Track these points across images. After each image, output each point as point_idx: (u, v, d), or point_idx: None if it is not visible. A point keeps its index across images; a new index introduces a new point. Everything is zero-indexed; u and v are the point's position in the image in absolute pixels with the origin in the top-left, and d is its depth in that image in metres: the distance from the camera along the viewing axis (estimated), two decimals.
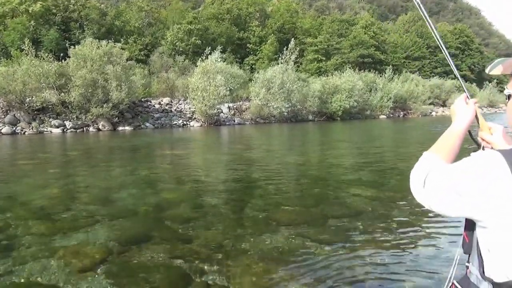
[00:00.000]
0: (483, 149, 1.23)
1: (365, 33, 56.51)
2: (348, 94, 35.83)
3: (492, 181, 0.93)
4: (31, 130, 22.55)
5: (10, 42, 33.10)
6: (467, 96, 1.29)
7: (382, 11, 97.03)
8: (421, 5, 1.29)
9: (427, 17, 1.29)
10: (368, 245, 4.19)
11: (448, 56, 1.35)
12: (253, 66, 45.68)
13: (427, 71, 62.57)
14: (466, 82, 59.60)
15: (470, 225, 1.07)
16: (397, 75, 48.72)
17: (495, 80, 58.57)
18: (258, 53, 48.23)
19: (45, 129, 23.11)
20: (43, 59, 24.59)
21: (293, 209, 5.73)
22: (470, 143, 1.35)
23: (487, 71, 1.17)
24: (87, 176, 8.87)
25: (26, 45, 24.91)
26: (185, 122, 28.61)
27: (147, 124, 26.76)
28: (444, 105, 53.21)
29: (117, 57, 25.82)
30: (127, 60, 27.40)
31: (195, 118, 29.15)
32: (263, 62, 44.63)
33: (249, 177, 8.68)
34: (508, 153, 0.96)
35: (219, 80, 28.01)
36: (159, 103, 30.59)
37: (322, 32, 54.84)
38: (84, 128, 24.18)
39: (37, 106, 23.31)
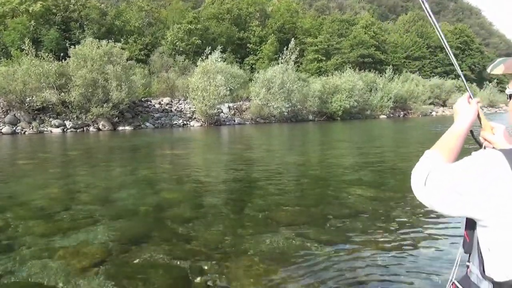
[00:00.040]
0: (484, 148, 1.23)
1: (365, 33, 56.52)
2: (348, 94, 35.84)
3: (493, 180, 0.93)
4: (31, 129, 22.56)
5: (10, 42, 33.11)
6: (470, 96, 1.29)
7: (382, 11, 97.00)
8: (426, 4, 1.28)
9: (432, 16, 1.28)
10: (369, 245, 4.19)
11: (452, 56, 1.34)
12: (253, 66, 45.68)
13: (427, 71, 62.59)
14: (466, 82, 59.93)
15: (470, 224, 1.07)
16: (397, 75, 48.73)
17: (495, 80, 58.59)
18: (258, 53, 48.23)
19: (45, 129, 23.12)
20: (43, 59, 24.60)
21: (293, 209, 5.73)
22: (470, 143, 1.34)
23: (488, 70, 1.17)
24: (87, 176, 8.87)
25: (26, 45, 24.92)
26: (185, 122, 28.62)
27: (147, 124, 26.76)
28: (444, 105, 53.22)
29: (117, 57, 25.83)
30: (127, 60, 27.40)
31: (195, 118, 29.15)
32: (263, 62, 44.64)
33: (249, 177, 8.67)
34: (509, 152, 0.96)
35: (219, 80, 28.02)
36: (159, 103, 30.60)
37: (322, 32, 54.83)
38: (84, 128, 24.18)
39: (37, 106, 23.33)
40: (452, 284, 1.15)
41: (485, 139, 1.25)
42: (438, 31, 1.29)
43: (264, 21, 52.53)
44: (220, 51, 31.57)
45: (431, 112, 48.53)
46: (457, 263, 1.24)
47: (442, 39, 1.30)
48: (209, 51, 31.12)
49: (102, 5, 41.72)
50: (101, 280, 3.41)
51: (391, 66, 50.59)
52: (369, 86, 41.01)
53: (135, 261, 3.82)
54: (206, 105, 27.48)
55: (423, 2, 1.28)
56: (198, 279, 3.43)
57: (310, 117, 34.94)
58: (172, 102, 31.47)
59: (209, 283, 3.36)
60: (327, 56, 52.68)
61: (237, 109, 32.28)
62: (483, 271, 1.02)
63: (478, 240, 1.04)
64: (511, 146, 1.13)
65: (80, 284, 3.35)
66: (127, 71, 26.62)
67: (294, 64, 36.38)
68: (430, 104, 49.95)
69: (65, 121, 24.07)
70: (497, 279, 0.98)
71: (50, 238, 4.47)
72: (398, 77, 47.91)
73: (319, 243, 4.23)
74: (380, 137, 20.29)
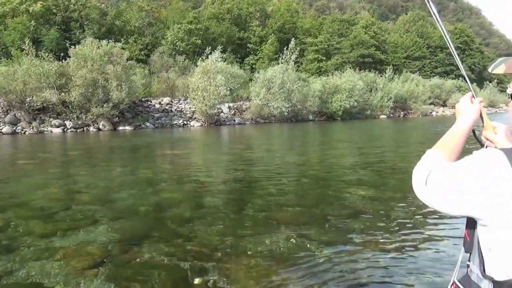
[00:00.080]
0: (486, 148, 1.22)
1: (365, 33, 56.50)
2: (348, 94, 35.83)
3: (494, 179, 0.93)
4: (31, 129, 22.56)
5: (10, 42, 33.10)
6: (473, 95, 1.28)
7: (383, 11, 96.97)
8: (431, 4, 1.28)
9: (438, 16, 1.28)
10: (369, 246, 4.19)
11: (456, 56, 1.34)
12: (254, 66, 45.66)
13: (428, 71, 62.57)
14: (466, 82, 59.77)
15: (471, 223, 1.07)
16: (397, 75, 48.70)
17: (495, 80, 58.56)
18: (259, 53, 48.21)
19: (46, 129, 23.13)
20: (44, 59, 24.60)
21: (293, 209, 5.72)
22: (471, 142, 1.34)
23: (489, 70, 1.17)
24: (87, 176, 8.87)
25: (27, 45, 24.92)
26: (185, 122, 28.62)
27: (148, 124, 26.77)
28: (444, 105, 53.20)
29: (118, 57, 25.83)
30: (127, 60, 27.41)
31: (195, 118, 29.15)
32: (264, 62, 44.62)
33: (250, 177, 8.67)
34: (510, 152, 0.96)
35: (220, 80, 28.01)
36: (160, 103, 30.60)
37: (323, 32, 54.81)
38: (85, 128, 24.19)
39: (37, 105, 23.33)
40: (453, 284, 1.15)
41: (487, 139, 1.25)
42: (443, 30, 1.29)
43: (264, 21, 52.51)
44: (220, 51, 31.57)
45: (431, 112, 48.50)
46: (459, 263, 1.24)
47: (447, 38, 1.30)
48: (209, 51, 31.12)
49: (102, 5, 41.70)
50: (101, 280, 3.41)
51: (391, 66, 50.59)
52: (369, 86, 41.00)
53: (135, 261, 3.82)
54: (206, 105, 27.48)
55: (428, 1, 1.28)
56: (198, 279, 3.43)
57: (310, 117, 34.93)
58: (172, 102, 31.47)
59: (209, 283, 3.36)
60: (327, 56, 52.65)
61: (237, 109, 32.27)
62: (483, 271, 1.02)
63: (478, 240, 1.04)
64: None
65: (80, 284, 3.35)
66: (127, 71, 26.63)
67: (294, 64, 36.37)
68: (430, 104, 49.93)
69: (65, 121, 24.08)
70: (497, 278, 0.98)
71: (50, 238, 4.47)
72: (398, 77, 47.90)
73: (319, 243, 4.23)
74: (380, 137, 20.29)
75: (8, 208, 5.86)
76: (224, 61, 33.15)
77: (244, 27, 50.08)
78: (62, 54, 26.13)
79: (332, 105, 35.29)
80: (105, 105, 24.01)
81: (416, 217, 5.22)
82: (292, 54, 35.07)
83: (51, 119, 23.88)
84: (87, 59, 24.70)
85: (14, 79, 23.15)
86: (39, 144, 17.14)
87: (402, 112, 44.83)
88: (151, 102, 30.33)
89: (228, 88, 28.75)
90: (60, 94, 23.76)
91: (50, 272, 3.58)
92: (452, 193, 0.99)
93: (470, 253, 1.10)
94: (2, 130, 21.82)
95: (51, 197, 6.64)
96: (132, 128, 25.46)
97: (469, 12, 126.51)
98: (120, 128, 25.12)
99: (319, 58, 51.35)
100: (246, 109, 32.36)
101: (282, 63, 34.15)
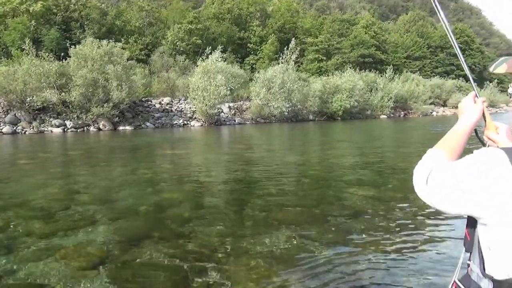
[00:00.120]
0: (487, 147, 1.22)
1: (365, 33, 56.46)
2: (348, 94, 35.82)
3: (495, 178, 0.93)
4: (31, 129, 22.57)
5: (10, 42, 33.09)
6: (476, 95, 1.28)
7: (383, 11, 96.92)
8: (437, 4, 1.27)
9: (443, 17, 1.28)
10: (370, 246, 4.18)
11: (460, 55, 1.33)
12: (254, 65, 45.64)
13: (428, 71, 62.52)
14: (467, 82, 59.19)
15: (472, 223, 1.07)
16: (397, 75, 48.68)
17: (495, 80, 58.51)
18: (259, 52, 48.19)
19: (46, 129, 23.14)
20: (44, 58, 24.61)
21: (293, 209, 5.72)
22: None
23: (491, 69, 1.17)
24: (87, 176, 8.87)
25: (27, 44, 24.94)
26: (185, 122, 28.62)
27: (148, 124, 26.77)
28: (444, 105, 53.18)
29: (118, 56, 25.84)
30: (127, 59, 27.42)
31: (195, 118, 29.15)
32: (264, 62, 44.60)
33: (250, 177, 8.67)
34: (511, 151, 0.97)
35: (220, 80, 28.01)
36: (160, 103, 30.60)
37: (323, 31, 54.78)
38: (85, 128, 24.19)
39: (37, 105, 23.34)
40: (453, 284, 1.16)
41: (489, 138, 1.25)
42: (447, 28, 1.29)
43: (264, 21, 52.49)
44: (221, 51, 31.56)
45: (431, 112, 48.49)
46: (459, 263, 1.24)
47: (451, 37, 1.29)
48: (210, 51, 31.11)
49: (103, 5, 41.70)
50: (101, 280, 3.41)
51: (391, 66, 50.56)
52: (369, 86, 40.99)
53: (135, 261, 3.82)
54: (206, 105, 27.48)
55: (434, 1, 1.28)
56: (198, 279, 3.42)
57: (311, 117, 34.93)
58: (172, 102, 31.47)
59: (209, 283, 3.36)
60: (328, 56, 52.63)
61: (237, 109, 32.27)
62: (483, 270, 1.02)
63: (478, 239, 1.04)
64: None
65: (80, 284, 3.35)
66: (127, 71, 26.63)
67: (295, 64, 36.35)
68: (431, 104, 49.90)
69: (65, 121, 24.08)
70: (497, 277, 0.98)
71: (50, 238, 4.47)
72: (399, 77, 47.88)
73: (319, 243, 4.23)
74: (381, 137, 20.29)
75: (8, 208, 5.86)
76: (224, 61, 33.15)
77: (245, 27, 50.06)
78: (62, 54, 26.13)
79: (332, 105, 35.28)
80: (105, 105, 24.02)
81: (417, 217, 5.21)
82: (293, 54, 35.05)
83: (51, 119, 23.88)
84: (87, 59, 24.71)
85: (15, 79, 23.15)
86: (39, 144, 17.15)
87: (402, 112, 44.81)
88: (151, 102, 30.33)
89: (228, 88, 28.75)
90: (60, 94, 23.76)
91: (50, 272, 3.58)
92: (453, 192, 0.99)
93: (471, 253, 1.10)
94: (3, 130, 21.83)
95: (51, 197, 6.64)
96: (132, 128, 25.46)
97: (470, 12, 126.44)
98: (120, 128, 25.12)
99: (320, 58, 51.33)
100: (246, 109, 32.36)
101: (282, 63, 34.14)
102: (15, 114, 23.30)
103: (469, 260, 1.11)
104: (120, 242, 4.34)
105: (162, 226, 4.95)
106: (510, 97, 1.16)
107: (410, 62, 62.44)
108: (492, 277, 0.99)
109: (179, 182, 8.08)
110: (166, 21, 46.50)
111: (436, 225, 4.90)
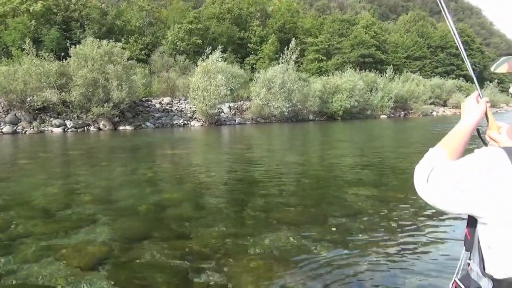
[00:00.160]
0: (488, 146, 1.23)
1: (366, 33, 56.43)
2: (349, 94, 35.80)
3: (495, 177, 0.94)
4: (32, 129, 22.57)
5: (11, 42, 33.10)
6: (479, 95, 1.29)
7: (383, 11, 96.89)
8: (443, 4, 1.27)
9: (449, 17, 1.28)
10: (370, 245, 4.18)
11: (465, 55, 1.34)
12: (254, 65, 45.63)
13: (428, 71, 62.51)
14: (467, 82, 59.02)
15: (472, 222, 1.07)
16: (397, 75, 48.65)
17: (496, 80, 58.55)
18: (259, 52, 48.18)
19: (46, 129, 23.14)
20: (44, 58, 24.61)
21: (294, 209, 5.72)
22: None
23: (492, 69, 1.17)
24: (88, 176, 8.87)
25: (27, 44, 24.94)
26: (185, 122, 28.62)
27: (148, 124, 26.77)
28: (445, 105, 53.17)
29: (118, 56, 25.83)
30: (128, 59, 27.40)
31: (195, 118, 29.15)
32: (264, 62, 44.59)
33: (250, 176, 8.67)
34: (511, 150, 0.97)
35: (220, 80, 28.01)
36: (160, 103, 30.60)
37: (323, 31, 54.77)
38: (85, 128, 24.19)
39: (38, 105, 23.34)
40: (454, 283, 1.16)
41: (491, 138, 1.25)
42: (453, 30, 1.29)
43: (264, 21, 52.48)
44: (221, 51, 31.54)
45: (431, 112, 48.47)
46: (460, 262, 1.24)
47: (457, 38, 1.29)
48: (210, 51, 31.09)
49: (103, 4, 41.71)
50: (102, 280, 3.42)
51: (391, 66, 50.52)
52: (369, 86, 40.97)
53: (135, 261, 3.82)
54: (206, 105, 27.48)
55: (440, 1, 1.28)
56: (198, 279, 3.43)
57: (311, 117, 34.92)
58: (172, 102, 31.46)
59: (210, 283, 3.36)
60: (328, 56, 52.62)
61: (237, 109, 32.27)
62: (483, 269, 1.03)
63: (478, 238, 1.04)
64: None
65: (80, 283, 3.35)
66: (127, 71, 26.63)
67: (295, 64, 36.34)
68: (431, 104, 49.87)
69: (65, 121, 24.08)
70: (497, 276, 0.98)
71: (50, 238, 4.47)
72: (399, 77, 47.86)
73: (320, 243, 4.23)
74: (381, 137, 20.29)
75: (9, 207, 5.87)
76: (225, 61, 33.14)
77: (245, 27, 50.06)
78: (62, 53, 26.13)
79: (332, 105, 35.28)
80: (105, 105, 24.02)
81: (417, 217, 5.21)
82: (293, 54, 35.04)
83: (51, 119, 23.89)
84: (87, 59, 24.71)
85: (15, 78, 23.15)
86: (39, 144, 17.15)
87: (402, 112, 44.80)
88: (151, 102, 30.33)
89: (229, 88, 28.74)
90: (60, 94, 23.76)
91: (50, 271, 3.58)
92: (453, 192, 0.99)
93: (471, 252, 1.10)
94: (3, 130, 21.84)
95: (52, 197, 6.65)
96: (133, 128, 25.47)
97: (470, 12, 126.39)
98: (121, 127, 25.12)
99: (320, 58, 51.32)
100: (247, 109, 32.35)
101: (282, 63, 34.13)
102: (15, 114, 23.31)
103: (469, 259, 1.11)
104: (120, 242, 4.34)
105: (162, 226, 4.95)
106: (511, 97, 1.16)
107: (410, 62, 62.43)
108: (492, 276, 1.00)
109: (179, 182, 8.08)
110: (166, 21, 46.52)
111: (437, 225, 4.90)
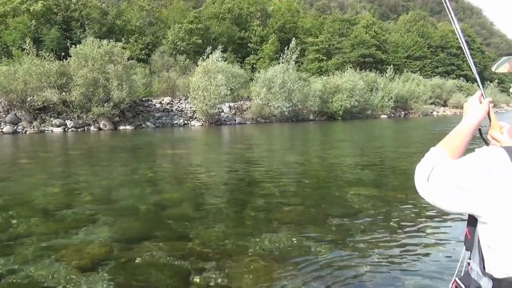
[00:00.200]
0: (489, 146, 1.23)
1: (366, 33, 56.40)
2: (349, 94, 35.80)
3: (496, 177, 0.94)
4: (32, 129, 22.58)
5: (11, 41, 33.09)
6: (482, 95, 1.28)
7: (383, 11, 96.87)
8: (448, 4, 1.27)
9: (454, 17, 1.28)
10: (370, 245, 4.18)
11: (470, 56, 1.33)
12: (254, 65, 45.61)
13: (428, 71, 62.48)
14: (467, 81, 58.98)
15: (472, 221, 1.07)
16: (398, 74, 48.62)
17: (496, 80, 58.55)
18: (259, 52, 48.16)
19: (46, 128, 23.15)
20: (44, 58, 24.61)
21: (294, 208, 5.72)
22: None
23: (493, 69, 1.17)
24: (88, 176, 8.87)
25: (27, 44, 24.94)
26: (186, 122, 28.62)
27: (148, 124, 26.78)
28: (445, 105, 53.16)
29: (118, 56, 25.83)
30: (128, 59, 27.41)
31: (196, 118, 29.16)
32: (264, 62, 44.57)
33: (250, 176, 8.67)
34: (511, 150, 0.97)
35: (220, 80, 28.01)
36: (160, 103, 30.60)
37: (323, 31, 54.74)
38: (85, 127, 24.20)
39: (38, 105, 23.33)
40: (454, 282, 1.16)
41: (493, 138, 1.25)
42: (458, 31, 1.29)
43: (265, 21, 52.46)
44: (221, 51, 31.54)
45: (432, 112, 48.46)
46: (460, 262, 1.24)
47: (461, 38, 1.29)
48: (210, 50, 31.09)
49: (103, 4, 41.69)
50: (102, 279, 3.42)
51: (392, 66, 50.47)
52: (370, 85, 40.96)
53: (135, 260, 3.82)
54: (207, 104, 27.48)
55: (445, 1, 1.28)
56: (198, 279, 3.43)
57: (311, 116, 34.92)
58: (173, 101, 31.46)
59: (210, 283, 3.36)
60: (328, 56, 52.59)
61: (237, 109, 32.27)
62: (483, 268, 1.03)
63: (478, 237, 1.04)
64: None
65: (80, 283, 3.35)
66: (128, 71, 26.63)
67: (295, 63, 36.33)
68: (431, 104, 49.86)
69: (66, 121, 24.09)
70: (497, 275, 0.98)
71: (50, 238, 4.48)
72: (399, 77, 47.83)
73: (320, 243, 4.23)
74: (381, 137, 20.28)
75: (9, 207, 5.87)
76: (225, 60, 33.13)
77: (245, 26, 50.05)
78: (63, 53, 26.13)
79: (332, 105, 35.27)
80: (105, 105, 24.02)
81: (418, 217, 5.21)
82: (293, 53, 35.03)
83: (52, 119, 23.89)
84: (88, 59, 24.71)
85: (15, 78, 23.15)
86: (40, 144, 17.16)
87: (402, 112, 44.79)
88: (151, 101, 30.32)
89: (229, 88, 28.74)
90: (61, 94, 23.76)
91: (50, 271, 3.58)
92: (454, 191, 0.99)
93: (471, 251, 1.10)
94: (3, 130, 21.84)
95: (52, 197, 6.65)
96: (133, 127, 25.47)
97: (470, 12, 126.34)
98: (121, 127, 25.13)
99: (320, 58, 51.29)
100: (247, 108, 32.35)
101: (282, 62, 34.13)
102: (15, 114, 23.31)
103: (469, 258, 1.12)
104: (121, 242, 4.34)
105: (162, 226, 4.96)
106: None
107: (411, 62, 62.41)
108: (492, 275, 1.00)
109: (179, 182, 8.08)
110: (167, 21, 46.51)
111: (437, 225, 4.90)
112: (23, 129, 22.46)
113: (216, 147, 16.17)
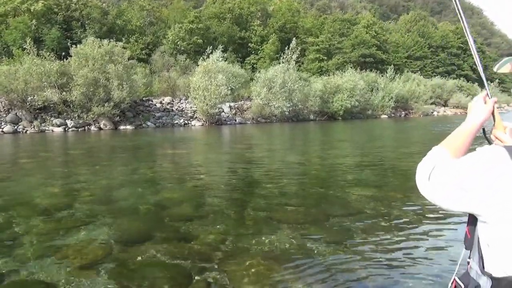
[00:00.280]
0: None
1: (366, 33, 56.39)
2: (349, 94, 35.81)
3: (498, 176, 0.94)
4: (32, 129, 22.60)
5: (12, 41, 33.12)
6: (487, 95, 1.28)
7: (384, 11, 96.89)
8: (457, 2, 1.27)
9: (463, 16, 1.28)
10: (370, 245, 4.18)
11: (477, 56, 1.33)
12: (255, 65, 45.61)
13: (429, 71, 62.46)
14: (468, 81, 58.90)
15: (472, 221, 1.08)
16: (398, 74, 48.63)
17: (497, 80, 58.52)
18: (260, 52, 48.16)
19: (47, 128, 23.16)
20: (45, 58, 24.65)
21: (294, 208, 5.72)
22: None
23: (495, 69, 1.17)
24: (88, 175, 8.88)
25: (28, 44, 24.98)
26: (186, 122, 28.63)
27: (149, 123, 26.79)
28: (445, 105, 53.15)
29: (119, 56, 25.85)
30: (128, 59, 27.42)
31: (196, 118, 29.17)
32: (265, 62, 44.58)
33: (251, 176, 8.67)
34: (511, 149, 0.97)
35: (221, 80, 28.02)
36: (161, 102, 30.62)
37: (324, 31, 54.74)
38: (86, 127, 24.22)
39: (38, 105, 23.36)
40: (453, 281, 1.16)
41: (497, 137, 1.25)
42: (466, 31, 1.28)
43: (265, 21, 52.47)
44: (221, 51, 31.57)
45: (432, 112, 48.46)
46: (460, 261, 1.24)
47: (469, 39, 1.29)
48: (210, 50, 31.11)
49: (104, 4, 41.72)
50: (102, 279, 3.42)
51: (392, 66, 50.48)
52: (370, 85, 40.97)
53: (136, 260, 3.82)
54: (207, 104, 27.49)
55: (455, 1, 1.28)
56: (198, 279, 3.43)
57: (311, 116, 34.92)
58: (173, 101, 31.48)
59: (210, 283, 3.36)
60: (329, 56, 52.60)
61: (238, 109, 32.27)
62: (482, 267, 1.03)
63: (478, 237, 1.04)
64: None
65: (81, 283, 3.35)
66: (128, 71, 26.65)
67: (296, 63, 36.33)
68: (432, 104, 49.86)
69: (66, 120, 24.11)
70: (496, 275, 0.99)
71: (51, 237, 4.48)
72: (400, 77, 47.84)
73: (320, 243, 4.23)
74: (382, 137, 20.28)
75: (10, 207, 5.87)
76: (225, 60, 33.15)
77: (245, 26, 50.05)
78: (63, 53, 26.18)
79: (333, 105, 35.28)
80: (106, 105, 24.04)
81: (418, 217, 5.20)
82: (293, 53, 35.04)
83: (52, 118, 23.91)
84: (88, 58, 24.73)
85: (16, 78, 23.18)
86: (40, 143, 17.17)
87: (403, 112, 44.79)
88: (152, 101, 30.34)
89: (229, 88, 28.75)
90: (61, 93, 23.79)
91: (51, 270, 3.58)
92: (456, 191, 1.00)
93: (471, 251, 1.11)
94: (4, 129, 21.86)
95: (52, 196, 6.65)
96: (133, 127, 25.49)
97: (471, 12, 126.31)
98: (121, 127, 25.14)
99: (320, 58, 51.29)
100: (247, 108, 32.35)
101: (283, 62, 34.14)
102: (16, 113, 23.32)
103: (469, 258, 1.12)
104: (121, 242, 4.34)
105: (162, 226, 4.95)
106: None
107: (411, 62, 62.38)
108: (491, 274, 1.00)
109: (179, 182, 8.08)
110: (167, 21, 46.53)
111: (437, 224, 4.89)
112: (24, 129, 22.48)
113: (217, 147, 16.17)
